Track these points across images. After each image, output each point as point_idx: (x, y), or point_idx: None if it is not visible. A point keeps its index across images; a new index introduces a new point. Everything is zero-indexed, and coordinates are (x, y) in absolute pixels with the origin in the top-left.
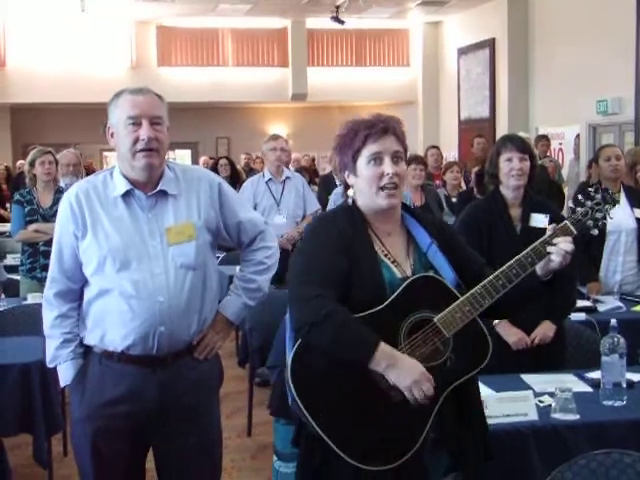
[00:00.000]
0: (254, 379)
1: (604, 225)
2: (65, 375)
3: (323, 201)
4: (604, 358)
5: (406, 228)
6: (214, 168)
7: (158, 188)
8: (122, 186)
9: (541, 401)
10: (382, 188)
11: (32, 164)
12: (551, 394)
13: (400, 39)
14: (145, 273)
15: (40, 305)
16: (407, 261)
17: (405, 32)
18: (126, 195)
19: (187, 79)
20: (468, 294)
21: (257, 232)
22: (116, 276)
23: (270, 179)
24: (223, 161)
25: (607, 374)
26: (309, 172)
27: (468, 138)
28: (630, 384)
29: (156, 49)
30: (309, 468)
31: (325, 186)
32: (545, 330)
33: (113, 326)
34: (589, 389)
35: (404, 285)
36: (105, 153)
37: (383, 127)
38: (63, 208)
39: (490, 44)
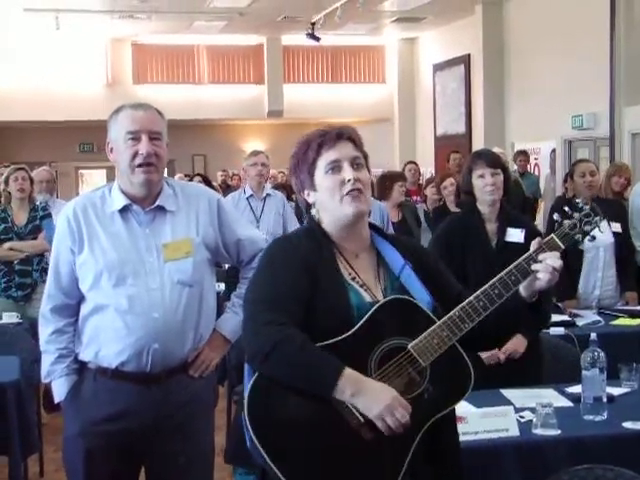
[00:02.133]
0: (233, 397)
1: (593, 238)
2: (59, 391)
3: (300, 218)
4: (584, 372)
5: (376, 249)
6: None
7: (156, 204)
8: (120, 201)
9: (522, 416)
10: (345, 195)
11: (6, 182)
12: (532, 409)
13: (376, 55)
14: (141, 289)
15: (16, 325)
16: (377, 285)
17: (381, 48)
18: (124, 210)
19: (163, 96)
20: (445, 317)
21: (256, 250)
22: (112, 291)
23: (251, 195)
24: (197, 179)
25: (588, 389)
26: (286, 189)
27: (444, 154)
28: (610, 398)
29: (131, 66)
30: None
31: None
32: (515, 346)
33: (108, 342)
34: (569, 404)
35: (373, 309)
36: (81, 171)
37: (336, 133)
38: (60, 223)
39: (465, 60)
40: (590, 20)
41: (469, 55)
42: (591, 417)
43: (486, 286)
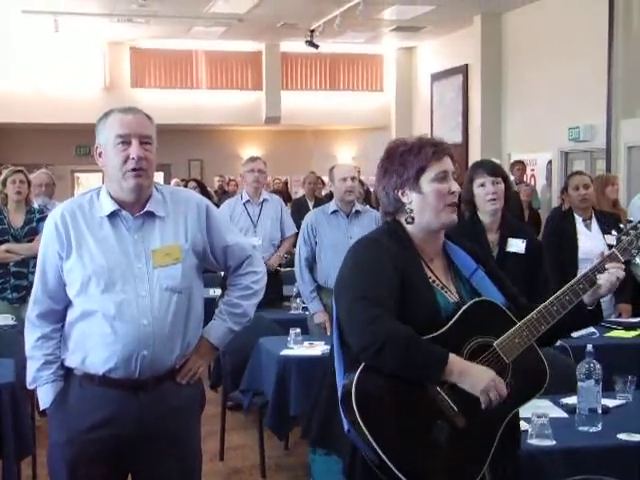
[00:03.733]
0: (227, 403)
1: None
2: (45, 398)
3: (295, 225)
4: (580, 384)
5: (447, 254)
6: None
7: (145, 209)
8: (108, 206)
9: None
10: (448, 205)
11: (4, 183)
12: (527, 419)
13: (374, 64)
14: (129, 295)
15: (11, 327)
16: (451, 287)
17: (379, 57)
18: (112, 216)
19: (160, 101)
20: (525, 319)
21: (245, 256)
22: (100, 297)
23: (248, 201)
24: (192, 184)
25: (583, 400)
26: (282, 195)
27: None
28: (605, 410)
29: (129, 70)
30: None
31: (298, 210)
32: None
33: (95, 349)
34: (564, 415)
35: (463, 309)
36: (77, 174)
37: (445, 147)
38: (48, 228)
39: (463, 70)
40: (588, 32)
41: (467, 65)
42: (586, 428)
43: (558, 292)
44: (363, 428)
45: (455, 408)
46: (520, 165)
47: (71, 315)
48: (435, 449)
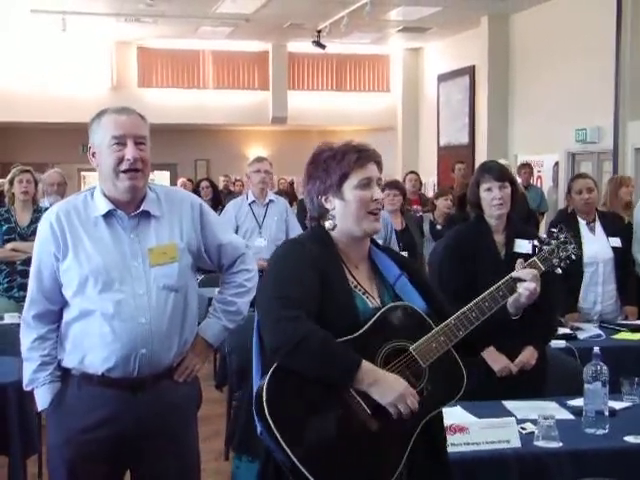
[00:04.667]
0: (233, 402)
1: (567, 264)
2: (42, 399)
3: (302, 225)
4: (587, 386)
5: (372, 260)
6: (195, 190)
7: (141, 209)
8: (103, 206)
9: (523, 428)
10: (370, 213)
11: (11, 182)
12: (533, 421)
13: (380, 65)
14: (127, 294)
15: (17, 325)
16: (374, 292)
17: (386, 58)
18: (107, 215)
19: (167, 100)
20: (442, 325)
21: (237, 255)
22: (98, 297)
23: (253, 201)
24: (205, 183)
25: (590, 402)
26: (288, 196)
27: (447, 164)
28: (612, 412)
29: (137, 70)
30: None
31: (304, 210)
32: (528, 358)
33: (93, 348)
34: (571, 417)
35: (380, 312)
36: (83, 173)
37: (370, 153)
38: (43, 229)
39: (470, 71)
40: (596, 33)
41: (474, 66)
42: (592, 430)
43: (478, 299)
44: (274, 430)
45: (369, 411)
46: (527, 168)
47: (68, 315)
48: (347, 452)
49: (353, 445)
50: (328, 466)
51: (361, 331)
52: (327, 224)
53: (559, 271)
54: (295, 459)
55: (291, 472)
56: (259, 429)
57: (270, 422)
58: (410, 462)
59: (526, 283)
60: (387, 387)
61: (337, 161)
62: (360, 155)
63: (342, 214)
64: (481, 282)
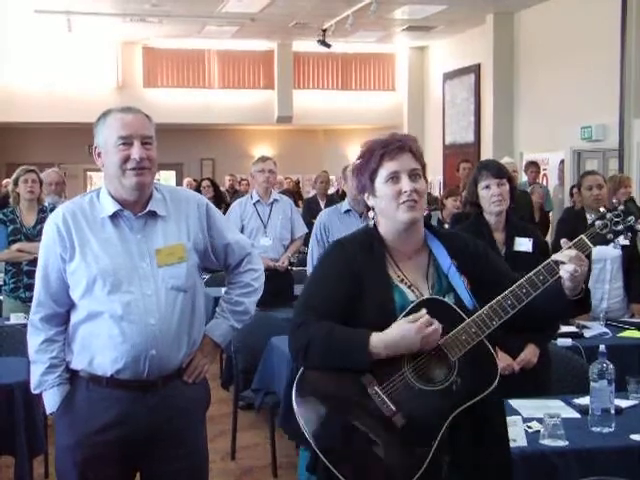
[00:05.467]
0: (239, 402)
1: (632, 238)
2: (51, 402)
3: (307, 224)
4: (593, 384)
5: (428, 248)
6: (197, 190)
7: (147, 209)
8: (110, 207)
9: (529, 427)
10: (402, 203)
11: (16, 183)
12: (539, 420)
13: (386, 63)
14: (136, 295)
15: (23, 325)
16: (426, 284)
17: (391, 56)
18: (114, 216)
19: (173, 100)
20: (474, 316)
21: (244, 254)
22: (106, 298)
23: (258, 201)
24: (205, 183)
25: (596, 400)
26: (293, 195)
27: (453, 163)
28: (618, 410)
29: (142, 70)
30: None
31: (309, 209)
32: (529, 356)
33: (102, 350)
34: (577, 415)
35: (409, 307)
36: (89, 173)
37: (399, 145)
38: (49, 230)
39: (475, 69)
40: (601, 32)
41: (479, 65)
42: (599, 429)
43: (515, 285)
44: (305, 430)
45: (393, 408)
46: (534, 167)
47: (76, 317)
48: (376, 450)
49: (379, 442)
50: (355, 462)
51: (390, 327)
52: (369, 221)
53: (617, 247)
54: (324, 458)
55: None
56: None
57: (301, 422)
58: (455, 451)
59: (566, 265)
60: (402, 342)
61: (366, 159)
62: (386, 150)
63: (379, 210)
64: None
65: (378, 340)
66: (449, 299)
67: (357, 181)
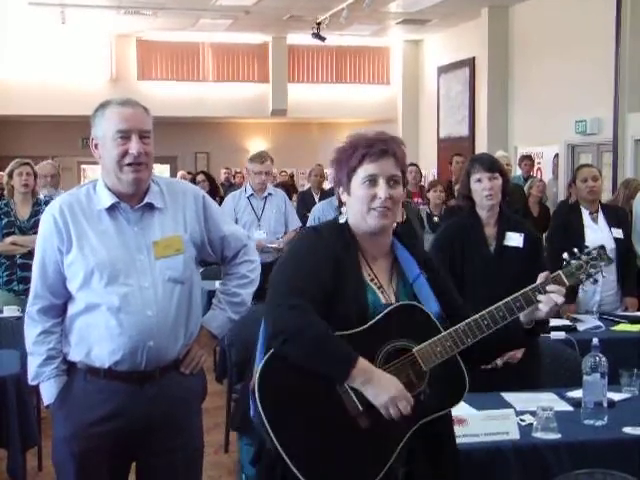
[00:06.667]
0: (232, 395)
1: (596, 281)
2: (48, 393)
3: (301, 218)
4: (586, 377)
5: (393, 254)
6: (192, 183)
7: (145, 201)
8: (107, 199)
9: (522, 420)
10: (373, 209)
11: (10, 175)
12: (532, 413)
13: (380, 57)
14: (134, 287)
15: (17, 318)
16: (390, 288)
17: (385, 50)
18: (111, 208)
19: (167, 93)
20: (451, 329)
21: (240, 246)
22: (104, 291)
23: (252, 194)
24: (200, 177)
25: (588, 393)
26: (288, 188)
27: (447, 156)
28: (611, 403)
29: (136, 63)
30: None
31: (304, 203)
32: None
33: (100, 341)
34: (570, 408)
35: (388, 309)
36: (83, 166)
37: (382, 148)
38: (46, 222)
39: (470, 63)
40: (596, 25)
41: (474, 58)
42: (591, 422)
43: (492, 307)
44: (262, 415)
45: (360, 407)
46: (528, 160)
47: (73, 309)
48: (334, 447)
49: (339, 439)
50: (311, 457)
51: (365, 326)
52: (340, 217)
53: (586, 288)
54: (277, 444)
55: (280, 459)
56: (252, 412)
57: (259, 407)
58: (412, 465)
59: (546, 297)
60: (381, 388)
61: (348, 155)
62: (370, 151)
63: (350, 208)
64: (469, 275)
65: (363, 369)
66: None
67: (334, 173)
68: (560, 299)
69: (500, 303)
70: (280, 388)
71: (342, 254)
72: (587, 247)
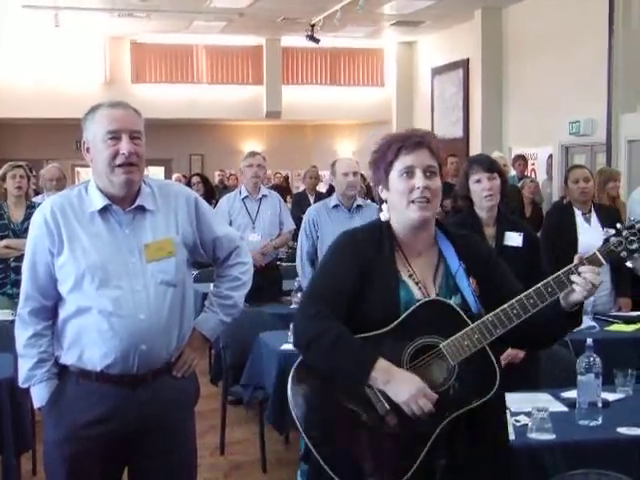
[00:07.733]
0: (227, 397)
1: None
2: (39, 396)
3: (296, 220)
4: (580, 377)
5: (439, 247)
6: (187, 186)
7: (136, 204)
8: (99, 201)
9: (517, 420)
10: (413, 201)
11: (3, 178)
12: (527, 413)
13: (374, 58)
14: (125, 290)
15: (10, 322)
16: (433, 282)
17: (379, 52)
18: (103, 210)
19: (161, 96)
20: (479, 322)
21: (233, 248)
22: (95, 293)
23: (246, 196)
24: (195, 179)
25: (583, 394)
26: (282, 190)
27: (442, 157)
28: (605, 404)
29: (130, 65)
30: None
31: (299, 205)
32: (515, 350)
33: (92, 345)
34: (564, 409)
35: (413, 307)
36: (77, 169)
37: (417, 140)
38: (37, 223)
39: (464, 64)
40: (588, 26)
41: (468, 59)
42: (586, 422)
43: (522, 295)
44: (294, 414)
45: (387, 406)
46: (521, 160)
47: (64, 312)
48: (364, 446)
49: (370, 438)
50: (344, 458)
51: (392, 325)
52: (381, 215)
53: (629, 265)
54: (310, 444)
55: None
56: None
57: (292, 407)
58: (451, 454)
59: (581, 278)
60: (401, 386)
61: (383, 152)
62: (404, 144)
63: (391, 205)
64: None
65: (383, 369)
66: (455, 300)
67: (372, 173)
68: (596, 279)
69: (531, 290)
70: (308, 388)
71: (374, 253)
72: (632, 220)
